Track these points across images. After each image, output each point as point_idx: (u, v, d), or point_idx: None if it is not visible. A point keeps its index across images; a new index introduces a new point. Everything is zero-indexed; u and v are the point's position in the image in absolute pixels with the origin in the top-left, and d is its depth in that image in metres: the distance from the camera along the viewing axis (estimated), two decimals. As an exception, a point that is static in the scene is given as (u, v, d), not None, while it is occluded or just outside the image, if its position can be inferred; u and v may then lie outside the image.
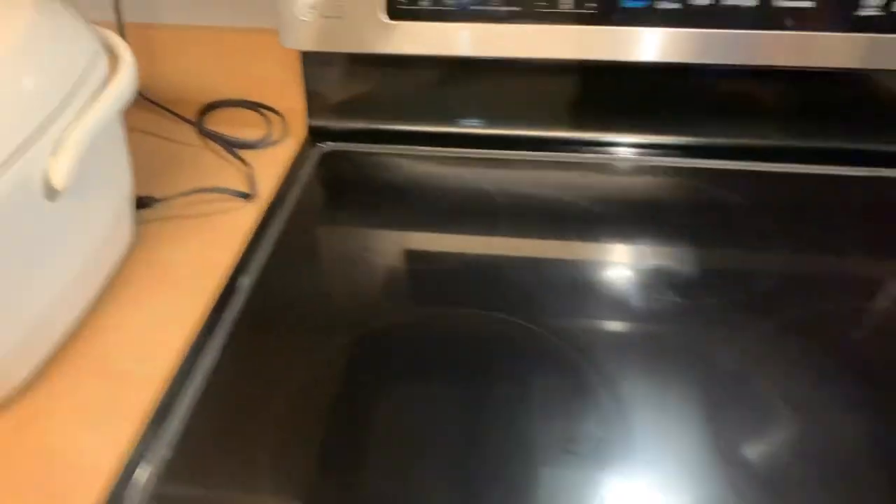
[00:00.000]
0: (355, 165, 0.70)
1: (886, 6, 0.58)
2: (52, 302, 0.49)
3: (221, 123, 0.75)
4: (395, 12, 0.63)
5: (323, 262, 0.60)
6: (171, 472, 0.43)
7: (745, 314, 0.52)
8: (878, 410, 0.46)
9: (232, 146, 0.71)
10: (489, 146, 0.71)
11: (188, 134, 0.74)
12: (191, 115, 0.76)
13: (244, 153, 0.70)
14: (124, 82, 0.50)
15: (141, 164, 0.60)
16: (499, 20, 0.62)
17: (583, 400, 0.46)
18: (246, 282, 0.56)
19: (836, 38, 0.59)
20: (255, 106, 0.77)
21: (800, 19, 0.59)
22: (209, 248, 0.60)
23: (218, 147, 0.72)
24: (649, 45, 0.61)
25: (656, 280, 0.55)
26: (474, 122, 0.72)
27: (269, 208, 0.64)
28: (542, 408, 0.46)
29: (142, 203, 0.62)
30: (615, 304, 0.53)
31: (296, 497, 0.42)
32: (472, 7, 0.61)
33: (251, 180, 0.67)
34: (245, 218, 0.63)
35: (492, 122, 0.72)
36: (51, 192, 0.45)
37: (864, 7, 0.58)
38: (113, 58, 0.52)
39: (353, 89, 0.72)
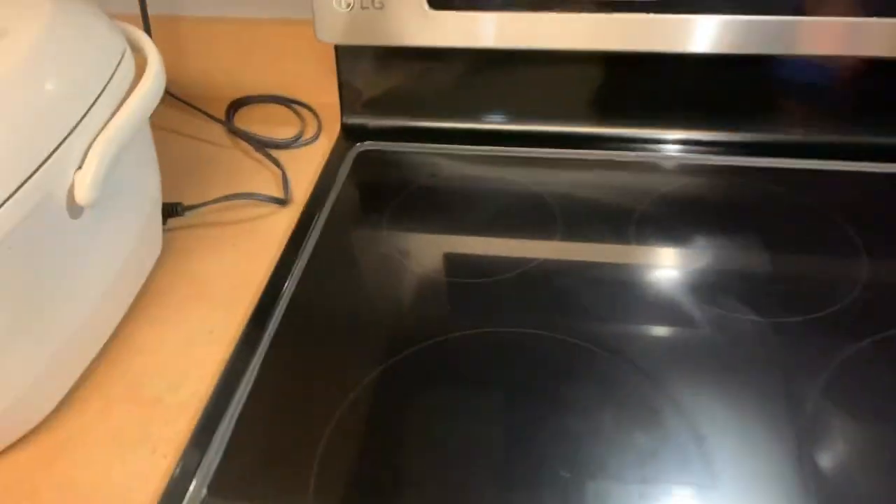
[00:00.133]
0: (394, 165, 0.67)
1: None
2: (78, 325, 0.46)
3: (251, 121, 0.72)
4: (438, 1, 0.60)
5: (363, 270, 0.56)
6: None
7: (831, 335, 0.48)
8: None
9: (263, 146, 0.68)
10: (535, 144, 0.67)
11: (216, 133, 0.71)
12: (219, 113, 0.72)
13: (276, 153, 0.67)
14: (152, 86, 0.47)
15: (167, 168, 0.57)
16: (548, 8, 0.58)
17: (664, 443, 0.42)
18: (284, 294, 0.53)
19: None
20: (287, 102, 0.74)
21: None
22: (243, 258, 0.56)
23: (248, 147, 0.68)
24: (702, 34, 0.58)
25: (732, 298, 0.51)
26: (519, 118, 0.68)
27: (304, 213, 0.61)
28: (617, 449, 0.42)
29: (169, 211, 0.58)
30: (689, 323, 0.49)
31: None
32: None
33: (285, 183, 0.63)
34: (280, 224, 0.59)
35: (537, 118, 0.68)
36: (75, 209, 0.42)
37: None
38: (139, 56, 0.49)
39: (390, 84, 0.69)
